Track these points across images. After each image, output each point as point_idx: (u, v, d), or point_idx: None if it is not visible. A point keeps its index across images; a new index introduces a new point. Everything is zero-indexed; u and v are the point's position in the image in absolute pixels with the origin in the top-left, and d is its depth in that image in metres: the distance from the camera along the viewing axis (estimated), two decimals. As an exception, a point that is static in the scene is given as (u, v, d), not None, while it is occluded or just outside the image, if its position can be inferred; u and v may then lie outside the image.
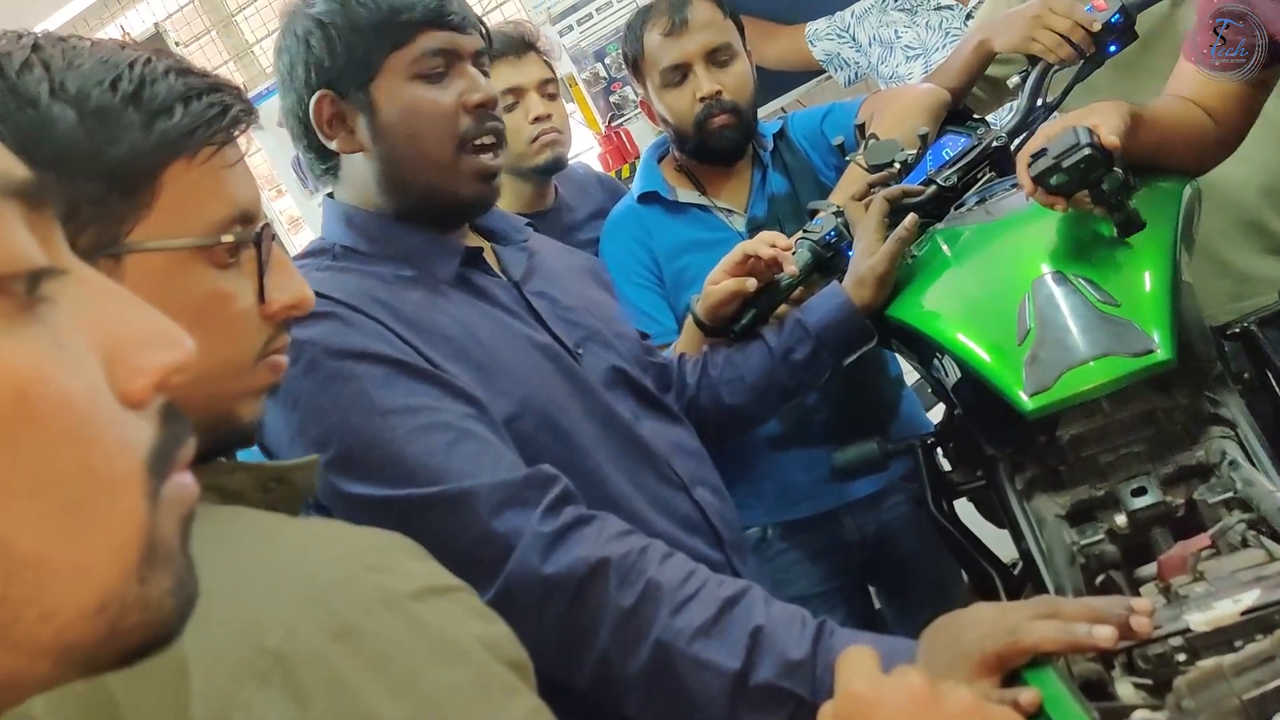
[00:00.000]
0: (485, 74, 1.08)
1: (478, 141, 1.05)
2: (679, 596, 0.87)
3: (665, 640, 0.86)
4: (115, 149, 0.58)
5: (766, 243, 1.24)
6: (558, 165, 1.77)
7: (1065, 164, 1.03)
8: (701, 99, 1.58)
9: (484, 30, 1.09)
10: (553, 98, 1.79)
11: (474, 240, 1.14)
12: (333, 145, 1.06)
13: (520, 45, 1.74)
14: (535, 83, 1.75)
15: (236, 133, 0.64)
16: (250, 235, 0.63)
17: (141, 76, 0.60)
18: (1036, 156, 1.06)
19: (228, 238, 0.62)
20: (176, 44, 2.83)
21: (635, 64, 1.65)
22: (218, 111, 0.62)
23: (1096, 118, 1.07)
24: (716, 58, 1.59)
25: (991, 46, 1.56)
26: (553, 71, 1.82)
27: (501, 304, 1.08)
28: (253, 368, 0.65)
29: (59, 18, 2.95)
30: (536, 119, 1.73)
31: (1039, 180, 1.05)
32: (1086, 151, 1.02)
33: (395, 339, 0.96)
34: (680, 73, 1.59)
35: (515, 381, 1.01)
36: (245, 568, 0.53)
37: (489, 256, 1.14)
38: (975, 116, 1.66)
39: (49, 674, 0.32)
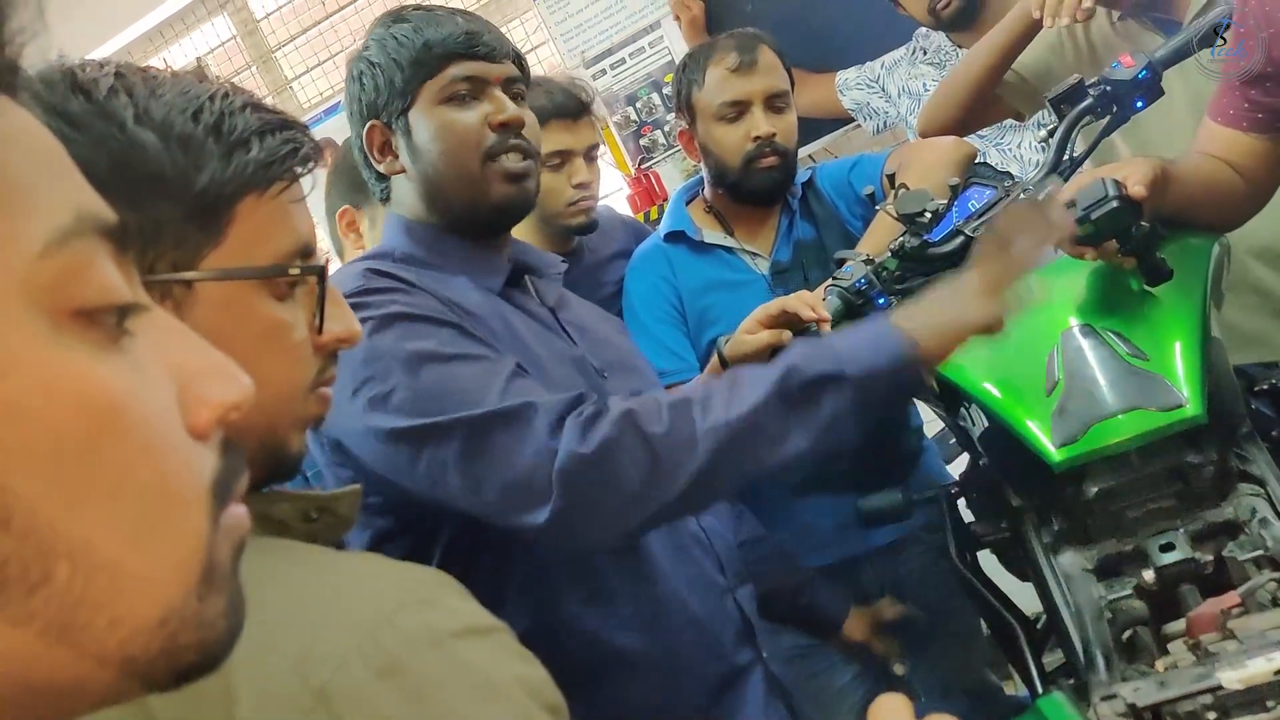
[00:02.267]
0: (518, 99, 1.15)
1: (502, 155, 1.12)
2: (695, 400, 0.99)
3: (710, 428, 0.96)
4: (198, 177, 0.60)
5: (807, 304, 1.25)
6: (589, 229, 1.80)
7: (1094, 215, 1.04)
8: (755, 138, 1.61)
9: (521, 62, 1.17)
10: (593, 162, 1.83)
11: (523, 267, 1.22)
12: (381, 168, 1.17)
13: (577, 109, 1.77)
14: (585, 148, 1.78)
15: (305, 170, 0.66)
16: (315, 268, 0.65)
17: (221, 109, 0.61)
18: (1065, 208, 1.07)
19: (294, 270, 0.64)
20: (217, 78, 2.89)
21: (689, 94, 1.68)
22: (291, 148, 0.64)
23: (1126, 170, 1.08)
24: (775, 103, 1.63)
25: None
26: (598, 133, 1.86)
27: (539, 319, 1.15)
28: (305, 398, 0.66)
29: (103, 51, 3.02)
30: (579, 185, 1.76)
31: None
32: (1115, 204, 1.03)
33: (455, 315, 1.04)
34: (738, 109, 1.63)
35: (550, 385, 1.05)
36: (297, 601, 0.54)
37: (527, 283, 1.21)
38: (999, 170, 1.68)
39: (110, 685, 0.33)
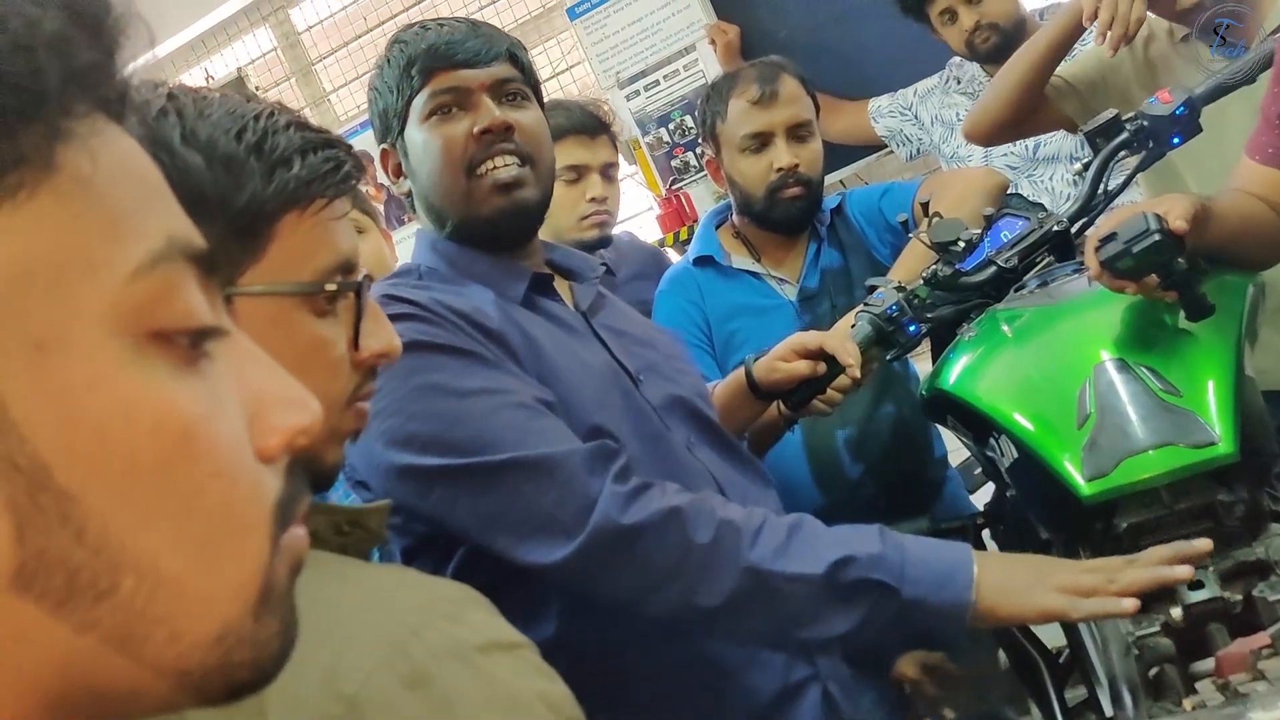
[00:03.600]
0: (512, 98, 1.12)
1: (487, 165, 1.10)
2: (750, 528, 0.98)
3: (750, 565, 0.96)
4: (238, 196, 0.61)
5: (845, 350, 1.25)
6: (602, 244, 1.82)
7: (1135, 249, 1.04)
8: (779, 169, 1.62)
9: (518, 59, 1.14)
10: (612, 180, 1.85)
11: (548, 271, 1.20)
12: (394, 190, 1.19)
13: (595, 127, 1.80)
14: (601, 165, 1.81)
15: (347, 188, 0.67)
16: (352, 284, 0.66)
17: (264, 128, 0.63)
18: (1105, 241, 1.07)
19: (331, 286, 0.65)
20: (257, 88, 2.95)
21: (713, 125, 1.70)
22: (332, 166, 0.65)
23: (1166, 205, 1.08)
24: (797, 132, 1.64)
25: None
26: (617, 153, 1.88)
27: (566, 326, 1.14)
28: (341, 412, 0.67)
29: (145, 60, 3.06)
30: (593, 199, 1.78)
31: (1107, 264, 1.06)
32: (1156, 237, 1.03)
33: (471, 338, 1.02)
34: (760, 141, 1.64)
35: (572, 395, 1.06)
36: (328, 612, 0.55)
37: (561, 289, 1.19)
38: (1031, 201, 1.67)
39: (165, 694, 0.34)
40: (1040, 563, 1.01)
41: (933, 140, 2.15)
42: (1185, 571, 0.91)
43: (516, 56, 1.14)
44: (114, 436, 0.31)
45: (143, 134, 0.36)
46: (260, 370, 0.37)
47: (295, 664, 0.51)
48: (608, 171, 1.83)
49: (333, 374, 0.66)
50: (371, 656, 0.53)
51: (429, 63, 1.10)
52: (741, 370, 1.33)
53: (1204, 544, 0.94)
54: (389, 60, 1.13)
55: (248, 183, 0.62)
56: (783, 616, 0.98)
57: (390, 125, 1.14)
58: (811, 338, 1.29)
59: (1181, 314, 1.10)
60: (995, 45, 1.95)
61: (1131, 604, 0.90)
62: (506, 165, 1.09)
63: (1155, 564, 0.93)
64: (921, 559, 0.98)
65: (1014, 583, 0.96)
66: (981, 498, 1.61)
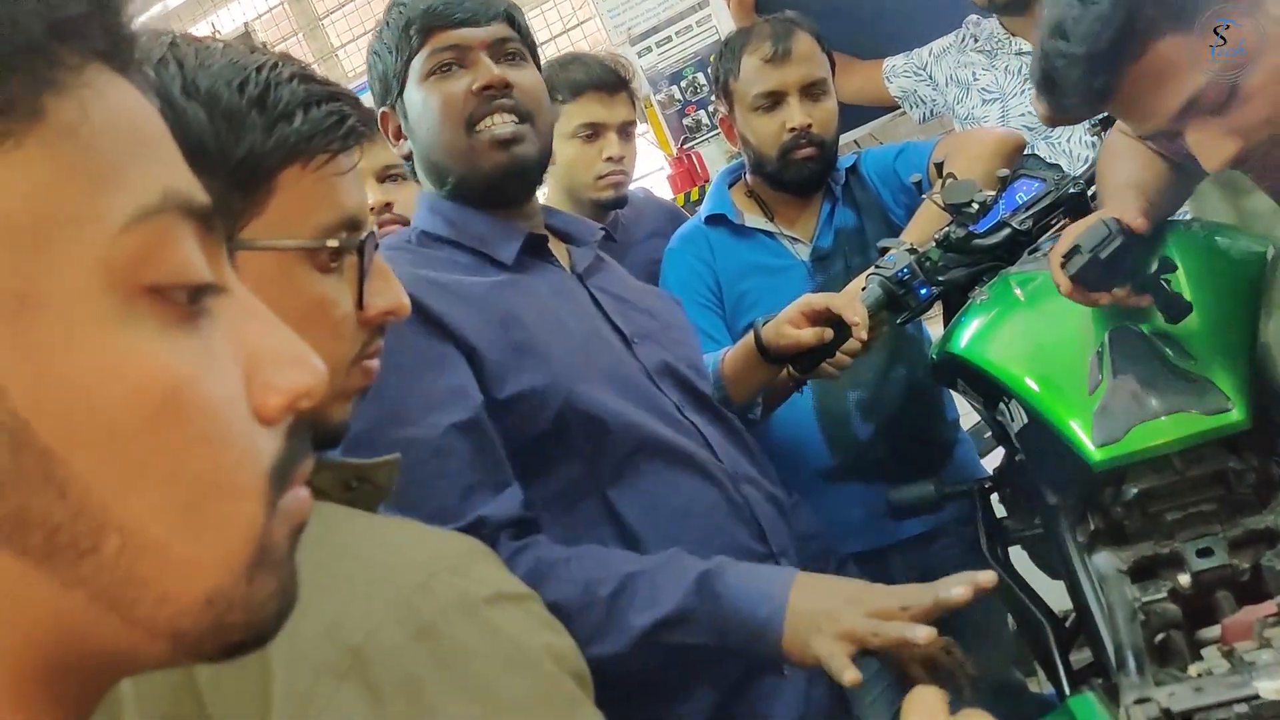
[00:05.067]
0: (510, 58, 1.13)
1: (486, 121, 1.11)
2: (610, 592, 0.99)
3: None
4: (238, 148, 0.60)
5: (851, 309, 1.24)
6: (617, 204, 1.81)
7: (1103, 255, 1.02)
8: (791, 129, 1.60)
9: (512, 17, 1.15)
10: (629, 139, 1.82)
11: (544, 234, 1.20)
12: (394, 150, 1.19)
13: (615, 84, 1.78)
14: (619, 123, 1.78)
15: (352, 142, 0.66)
16: (354, 242, 0.65)
17: (267, 81, 0.62)
18: (1069, 256, 1.05)
19: (333, 243, 0.64)
20: (264, 44, 2.91)
21: (726, 83, 1.67)
22: (336, 120, 0.64)
23: (1117, 208, 1.06)
24: (811, 91, 1.61)
25: None
26: (635, 111, 1.85)
27: (556, 289, 1.15)
28: (347, 371, 0.66)
29: (152, 13, 3.04)
30: (609, 158, 1.76)
31: (1079, 278, 1.04)
32: (1120, 240, 1.01)
33: (430, 319, 1.01)
34: (773, 99, 1.61)
35: (551, 357, 1.06)
36: (333, 565, 0.55)
37: (559, 251, 1.20)
38: (1048, 162, 1.65)
39: (162, 653, 0.34)
40: (854, 584, 1.02)
41: (947, 101, 2.12)
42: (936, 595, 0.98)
43: (513, 18, 1.16)
44: (95, 397, 0.31)
45: (148, 85, 0.36)
46: (263, 328, 0.36)
47: (301, 614, 0.52)
48: (625, 130, 1.81)
49: (337, 331, 0.65)
50: (378, 609, 0.53)
51: (428, 22, 1.11)
52: (752, 335, 1.33)
53: (988, 576, 0.97)
54: (388, 23, 1.14)
55: (248, 135, 0.61)
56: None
57: (390, 87, 1.15)
58: (819, 299, 1.28)
59: (1189, 288, 1.08)
60: None
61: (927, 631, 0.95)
62: (505, 122, 1.11)
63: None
64: (739, 599, 0.98)
65: (820, 614, 0.96)
66: (993, 462, 1.61)
